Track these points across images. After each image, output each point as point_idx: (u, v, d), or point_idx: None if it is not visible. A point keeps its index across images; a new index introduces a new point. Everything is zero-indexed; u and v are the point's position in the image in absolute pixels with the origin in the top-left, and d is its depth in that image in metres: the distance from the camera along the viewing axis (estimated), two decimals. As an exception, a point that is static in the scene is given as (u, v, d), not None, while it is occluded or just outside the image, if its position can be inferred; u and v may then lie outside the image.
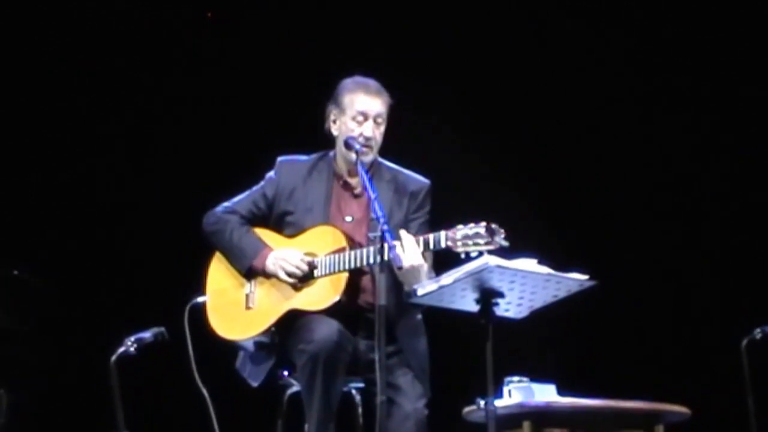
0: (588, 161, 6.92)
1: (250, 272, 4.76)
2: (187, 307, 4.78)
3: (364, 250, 4.54)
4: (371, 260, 4.48)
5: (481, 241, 4.35)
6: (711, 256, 6.83)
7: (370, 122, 4.74)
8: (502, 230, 4.36)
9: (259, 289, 4.76)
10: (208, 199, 4.95)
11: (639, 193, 6.93)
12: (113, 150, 6.95)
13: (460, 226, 4.42)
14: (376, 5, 6.89)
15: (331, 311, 4.57)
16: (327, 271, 4.63)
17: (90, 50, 6.95)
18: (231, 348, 4.80)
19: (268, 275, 4.72)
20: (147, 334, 4.90)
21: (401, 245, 4.43)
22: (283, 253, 4.70)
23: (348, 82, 4.83)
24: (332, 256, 4.63)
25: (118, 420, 4.87)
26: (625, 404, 4.87)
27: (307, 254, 4.68)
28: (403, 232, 4.49)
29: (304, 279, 4.68)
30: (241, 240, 4.77)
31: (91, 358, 5.66)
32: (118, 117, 6.96)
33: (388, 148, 4.85)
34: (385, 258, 4.29)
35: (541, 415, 4.80)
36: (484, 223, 4.37)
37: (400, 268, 4.42)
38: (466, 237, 4.39)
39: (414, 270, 4.43)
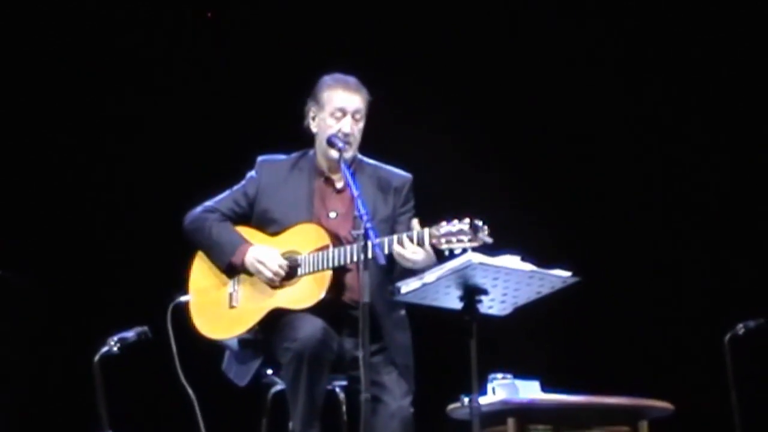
0: (571, 157, 6.93)
1: (230, 269, 4.74)
2: (170, 306, 4.77)
3: (348, 248, 4.53)
4: (354, 258, 4.46)
5: (465, 238, 4.34)
6: (694, 252, 6.85)
7: (349, 118, 4.74)
8: (486, 227, 4.36)
9: (242, 288, 4.74)
10: (189, 199, 4.93)
11: (623, 189, 6.94)
12: (96, 149, 6.92)
13: (444, 223, 4.41)
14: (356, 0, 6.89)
15: (316, 309, 4.56)
16: (310, 270, 4.62)
17: (68, 43, 6.94)
18: (215, 347, 4.79)
19: (248, 272, 4.71)
20: (130, 334, 4.88)
21: (403, 243, 4.43)
22: (262, 253, 4.68)
23: (327, 78, 4.83)
24: (315, 255, 4.62)
25: (102, 420, 4.85)
26: (609, 400, 4.89)
27: (290, 252, 4.67)
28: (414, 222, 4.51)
29: (286, 278, 4.67)
30: (220, 236, 4.76)
31: (74, 358, 5.64)
32: (100, 115, 6.94)
33: (368, 144, 4.85)
34: (369, 256, 4.25)
35: (525, 412, 4.81)
36: (467, 220, 4.36)
37: (385, 263, 4.42)
38: (449, 234, 4.38)
39: (418, 263, 4.42)
